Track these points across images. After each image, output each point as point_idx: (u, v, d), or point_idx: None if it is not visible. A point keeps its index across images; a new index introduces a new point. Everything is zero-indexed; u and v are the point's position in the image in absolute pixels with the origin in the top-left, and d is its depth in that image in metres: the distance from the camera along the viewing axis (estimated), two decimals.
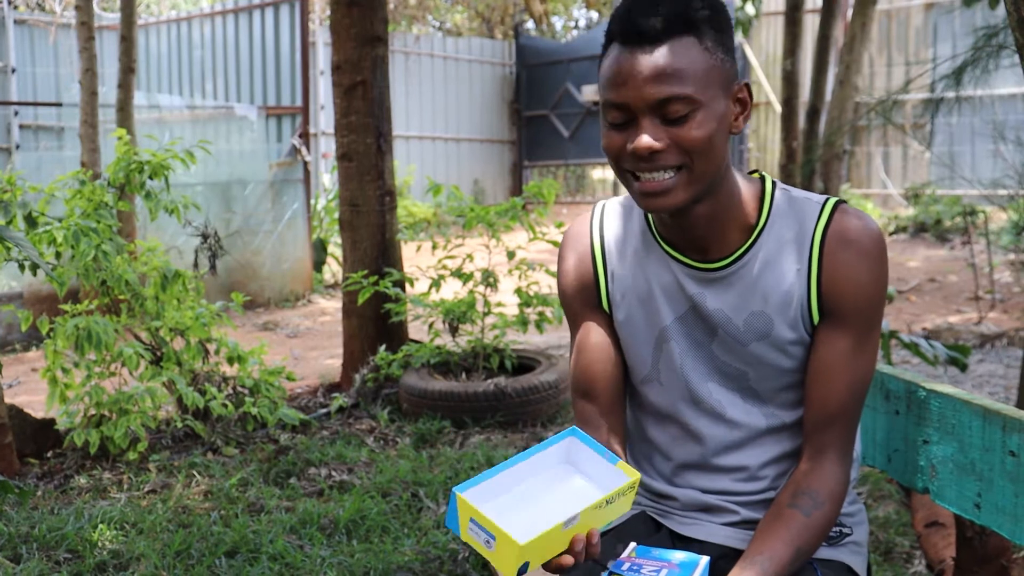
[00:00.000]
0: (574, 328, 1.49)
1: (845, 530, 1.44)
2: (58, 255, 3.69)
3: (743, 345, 1.37)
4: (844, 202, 1.36)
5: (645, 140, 1.24)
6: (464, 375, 4.49)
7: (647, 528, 1.48)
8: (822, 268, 1.33)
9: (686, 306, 1.39)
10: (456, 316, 4.48)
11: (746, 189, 1.37)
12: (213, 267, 4.86)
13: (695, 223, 1.34)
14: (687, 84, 1.23)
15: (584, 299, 1.47)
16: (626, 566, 1.27)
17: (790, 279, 1.34)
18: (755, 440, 1.41)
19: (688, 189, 1.28)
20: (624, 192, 1.47)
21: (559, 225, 4.43)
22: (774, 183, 1.39)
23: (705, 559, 1.28)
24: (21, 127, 10.36)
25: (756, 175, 1.41)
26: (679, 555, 1.29)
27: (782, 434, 1.41)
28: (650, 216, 1.42)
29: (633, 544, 1.33)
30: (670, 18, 1.23)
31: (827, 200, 1.36)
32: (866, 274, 1.32)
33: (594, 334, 1.46)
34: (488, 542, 1.14)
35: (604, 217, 1.48)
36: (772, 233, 1.35)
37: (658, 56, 1.23)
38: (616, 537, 1.46)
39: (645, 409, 1.47)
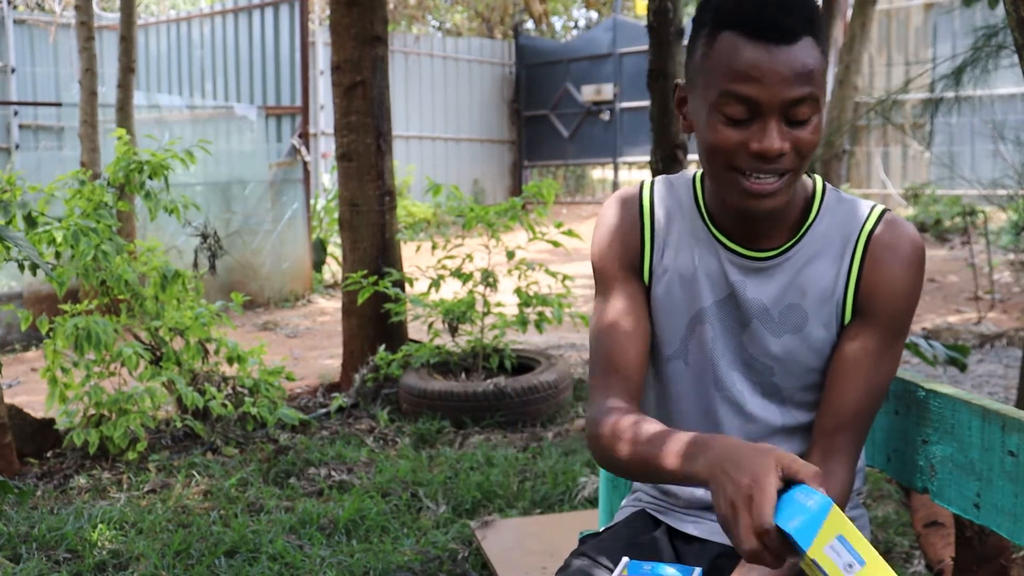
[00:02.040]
0: (606, 293, 1.43)
1: None
2: (58, 255, 3.69)
3: (775, 337, 1.37)
4: (890, 211, 1.37)
5: (777, 143, 1.22)
6: (464, 375, 4.49)
7: (645, 525, 1.48)
8: (863, 270, 1.33)
9: (726, 292, 1.38)
10: (456, 316, 4.48)
11: (801, 187, 1.38)
12: (213, 267, 4.87)
13: (761, 220, 1.34)
14: (815, 85, 1.23)
15: (624, 265, 1.42)
16: None
17: (830, 277, 1.35)
18: (768, 437, 1.41)
19: (788, 192, 1.28)
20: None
21: (558, 225, 4.43)
22: (825, 183, 1.40)
23: (697, 571, 1.28)
24: (21, 127, 10.36)
25: (809, 178, 1.41)
26: (670, 570, 1.28)
27: (795, 435, 1.41)
28: (701, 197, 1.41)
29: (625, 560, 1.32)
30: (804, 16, 1.22)
31: (876, 206, 1.37)
32: (904, 280, 1.32)
33: (629, 303, 1.41)
34: (850, 566, 1.01)
35: (654, 191, 1.45)
36: (819, 230, 1.36)
37: (796, 55, 1.21)
38: (613, 536, 1.46)
39: (663, 390, 1.46)
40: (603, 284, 1.44)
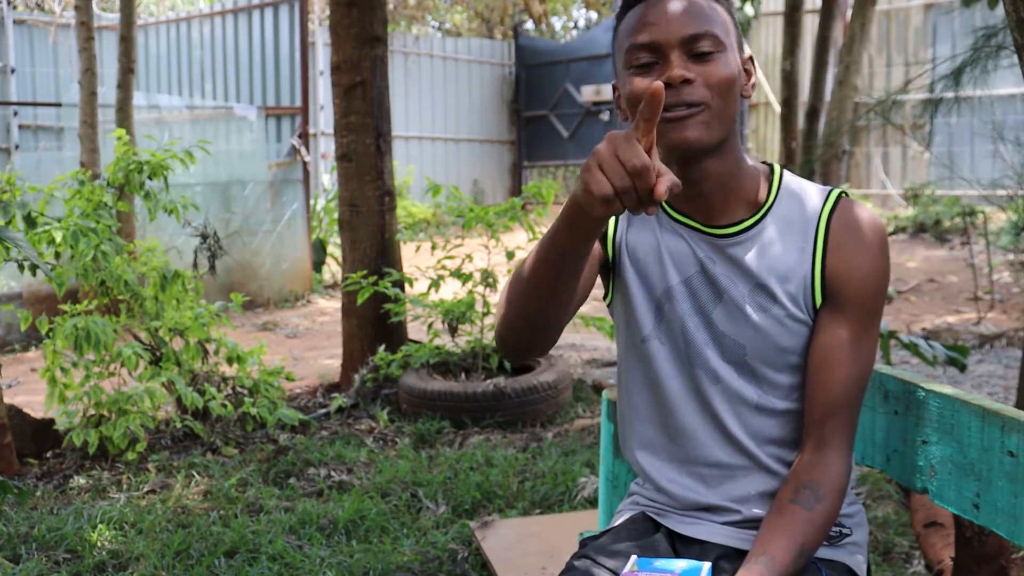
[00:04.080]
0: None
1: (844, 531, 1.44)
2: (57, 255, 3.69)
3: (745, 315, 1.39)
4: (846, 193, 1.41)
5: (677, 71, 1.30)
6: (463, 375, 4.49)
7: (645, 527, 1.48)
8: (827, 252, 1.37)
9: (694, 268, 1.41)
10: (455, 316, 4.48)
11: (754, 166, 1.42)
12: (212, 267, 4.86)
13: (703, 181, 1.37)
14: (714, 25, 1.32)
15: None
16: None
17: (794, 257, 1.38)
18: (753, 415, 1.42)
19: (709, 128, 1.32)
20: None
21: None
22: (783, 168, 1.45)
23: (707, 565, 1.28)
24: (20, 127, 10.36)
25: (764, 164, 1.45)
26: (681, 563, 1.28)
27: (774, 417, 1.42)
28: None
29: (634, 557, 1.32)
30: None
31: (832, 190, 1.41)
32: (869, 263, 1.36)
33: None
34: None
35: None
36: (780, 211, 1.40)
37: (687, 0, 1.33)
38: (613, 538, 1.45)
39: (649, 371, 1.46)
40: None
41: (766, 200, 1.40)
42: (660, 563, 1.29)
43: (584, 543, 1.51)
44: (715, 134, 1.32)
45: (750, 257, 1.38)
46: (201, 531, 3.00)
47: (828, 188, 1.41)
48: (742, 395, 1.41)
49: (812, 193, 1.41)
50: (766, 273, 1.38)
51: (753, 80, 1.40)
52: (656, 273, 1.43)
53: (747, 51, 1.41)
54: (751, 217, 1.39)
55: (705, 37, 1.31)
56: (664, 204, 1.43)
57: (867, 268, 1.36)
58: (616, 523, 1.52)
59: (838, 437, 1.36)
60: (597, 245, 1.47)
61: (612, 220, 1.47)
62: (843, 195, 1.40)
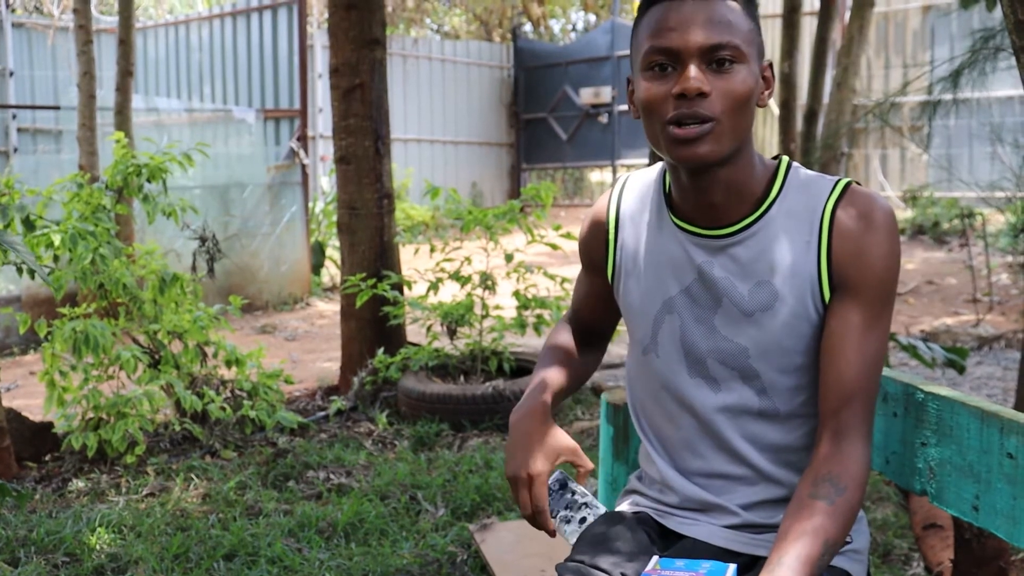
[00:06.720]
0: (582, 269, 1.63)
1: (846, 538, 1.42)
2: (56, 258, 3.69)
3: (747, 316, 1.36)
4: (857, 183, 1.37)
5: (694, 82, 1.27)
6: (462, 378, 4.49)
7: (647, 527, 1.47)
8: (832, 241, 1.33)
9: (692, 276, 1.40)
10: (454, 319, 4.48)
11: (762, 165, 1.39)
12: (211, 270, 4.86)
13: (713, 189, 1.35)
14: (736, 35, 1.29)
15: (590, 263, 1.57)
16: None
17: (798, 251, 1.34)
18: (748, 422, 1.40)
19: (720, 143, 1.29)
20: (650, 165, 1.50)
21: (557, 228, 4.43)
22: (791, 162, 1.41)
23: (732, 567, 1.27)
24: (19, 130, 10.36)
25: (776, 159, 1.42)
26: (705, 565, 1.27)
27: (773, 422, 1.40)
28: (667, 188, 1.44)
29: (656, 557, 1.32)
30: None
31: (840, 179, 1.37)
32: (876, 247, 1.31)
33: (590, 287, 1.61)
34: None
35: (625, 189, 1.52)
36: (784, 205, 1.36)
37: (711, 6, 1.29)
38: (609, 538, 1.45)
39: (651, 381, 1.47)
40: (581, 262, 1.63)
41: (769, 196, 1.37)
42: (682, 563, 1.29)
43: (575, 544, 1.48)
44: (726, 148, 1.30)
45: (751, 255, 1.36)
46: (200, 534, 3.00)
47: (837, 178, 1.37)
48: (743, 401, 1.40)
49: (819, 185, 1.37)
50: (768, 270, 1.35)
51: (771, 89, 1.36)
52: (656, 286, 1.43)
53: (767, 59, 1.37)
54: (753, 214, 1.36)
55: (726, 48, 1.27)
56: (670, 210, 1.43)
57: (876, 252, 1.31)
58: (613, 520, 1.51)
59: (855, 426, 1.31)
60: (601, 281, 1.56)
61: (611, 236, 1.51)
62: (852, 182, 1.36)
